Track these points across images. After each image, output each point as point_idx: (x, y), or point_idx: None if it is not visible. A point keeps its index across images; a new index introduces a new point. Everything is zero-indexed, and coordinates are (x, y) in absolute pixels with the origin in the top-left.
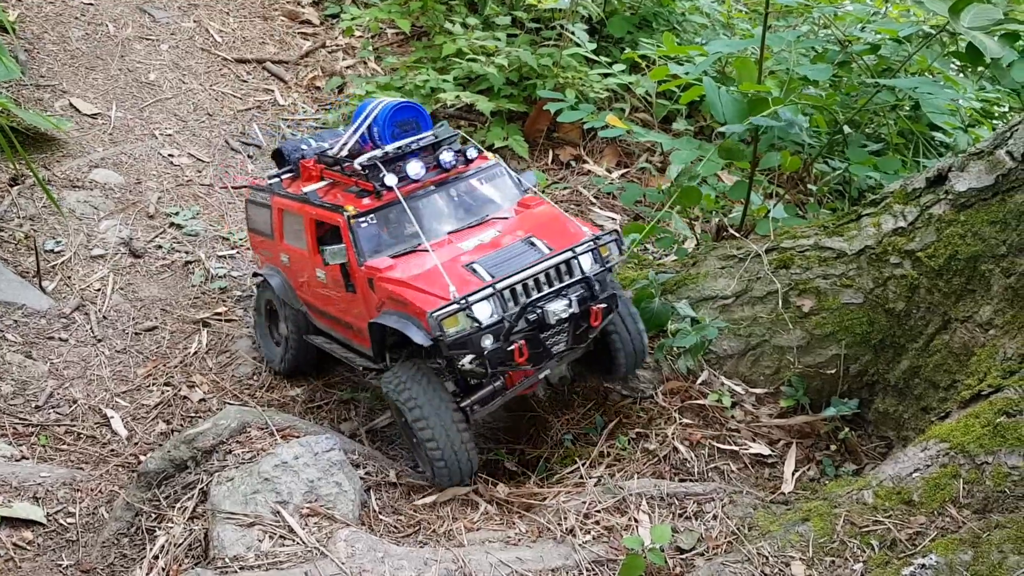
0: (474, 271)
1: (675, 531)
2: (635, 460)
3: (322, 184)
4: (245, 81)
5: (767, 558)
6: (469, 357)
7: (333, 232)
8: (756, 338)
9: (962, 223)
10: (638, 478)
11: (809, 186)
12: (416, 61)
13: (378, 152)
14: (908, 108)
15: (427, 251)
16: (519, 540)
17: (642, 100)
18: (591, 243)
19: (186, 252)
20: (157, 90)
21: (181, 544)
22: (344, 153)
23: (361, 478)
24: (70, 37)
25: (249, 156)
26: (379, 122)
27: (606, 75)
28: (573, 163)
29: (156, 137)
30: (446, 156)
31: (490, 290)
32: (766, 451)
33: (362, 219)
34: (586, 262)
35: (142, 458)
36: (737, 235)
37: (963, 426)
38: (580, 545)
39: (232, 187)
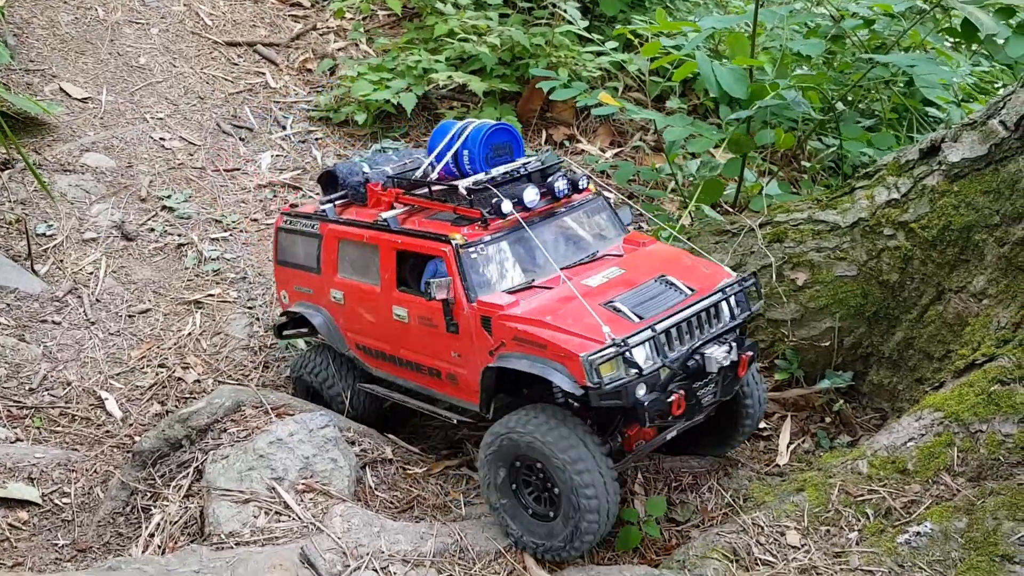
0: (618, 311)
1: (671, 504)
2: None
3: (400, 211)
4: (236, 64)
5: (762, 528)
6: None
7: (415, 266)
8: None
9: (955, 193)
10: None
11: (803, 163)
12: (408, 42)
13: (483, 176)
14: (902, 84)
15: (545, 288)
16: None
17: (635, 79)
18: (739, 284)
19: (179, 235)
20: (148, 74)
21: (177, 522)
22: (434, 176)
23: (356, 455)
24: (59, 21)
25: (241, 139)
26: (472, 144)
27: (599, 54)
28: (567, 143)
29: (147, 121)
30: (560, 184)
31: (649, 332)
32: (761, 424)
33: (472, 249)
34: (726, 309)
35: (137, 439)
36: (732, 211)
37: (957, 395)
38: None
39: (283, 212)
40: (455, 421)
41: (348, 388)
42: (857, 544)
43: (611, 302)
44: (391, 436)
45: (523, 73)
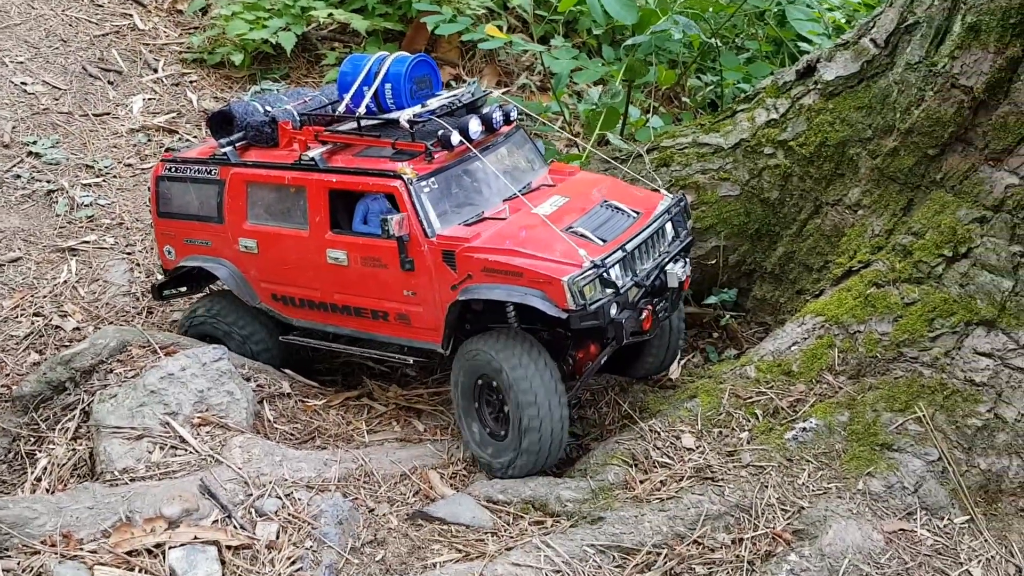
0: (583, 236)
1: (571, 420)
2: None
3: (323, 149)
4: (100, 6)
5: (659, 433)
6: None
7: (346, 202)
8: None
9: (831, 111)
10: None
11: (683, 99)
12: None
13: (421, 108)
14: (773, 20)
15: (497, 219)
16: (421, 439)
17: (519, 18)
18: (679, 206)
19: (47, 181)
20: (4, 16)
21: (65, 464)
22: (362, 111)
23: (253, 390)
24: None
25: (110, 83)
26: (395, 79)
27: None
28: (453, 83)
29: (6, 65)
30: (497, 115)
31: (621, 252)
32: None
33: (424, 183)
34: (670, 228)
35: (13, 388)
36: (622, 142)
37: (836, 300)
38: None
39: (163, 159)
40: (411, 361)
41: (259, 333)
42: (748, 443)
43: (572, 228)
44: (288, 371)
45: (406, 11)
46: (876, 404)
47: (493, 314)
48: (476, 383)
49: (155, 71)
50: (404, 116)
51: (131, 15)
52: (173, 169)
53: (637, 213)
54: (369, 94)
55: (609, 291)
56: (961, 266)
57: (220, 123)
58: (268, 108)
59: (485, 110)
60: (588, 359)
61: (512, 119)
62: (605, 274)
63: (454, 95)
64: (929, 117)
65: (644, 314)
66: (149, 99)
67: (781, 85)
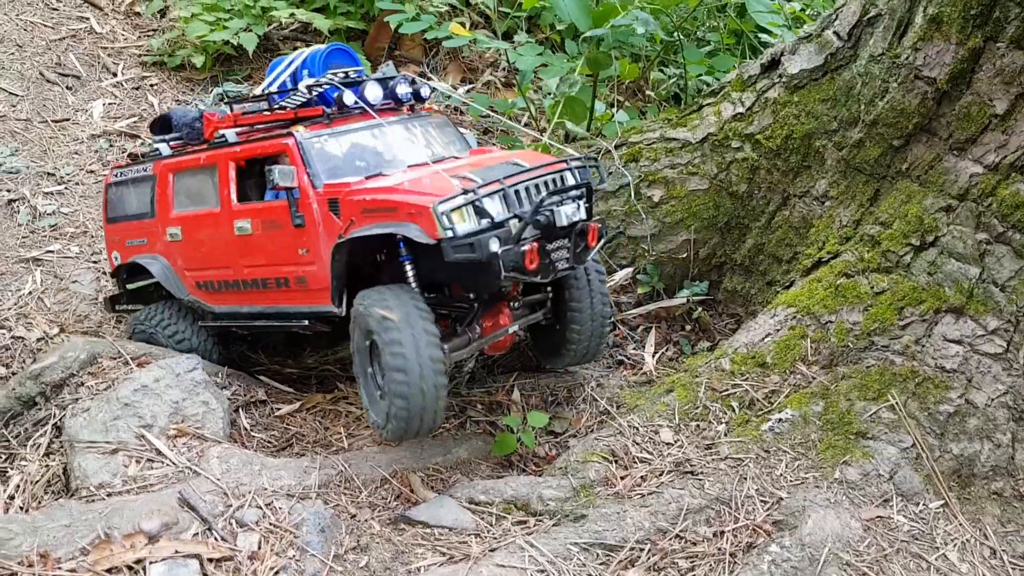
0: (468, 178)
1: (551, 418)
2: (504, 355)
3: (239, 129)
4: (56, 9)
5: (637, 429)
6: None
7: (257, 185)
8: (612, 230)
9: (796, 103)
10: (509, 372)
11: (647, 93)
12: None
13: (323, 79)
14: (734, 12)
15: (392, 176)
16: (399, 443)
17: (482, 15)
18: (582, 160)
19: (8, 191)
20: None
21: (39, 481)
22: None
23: (228, 398)
24: None
25: (68, 88)
26: (311, 64)
27: None
28: (416, 81)
29: None
30: (402, 88)
31: (498, 184)
32: (631, 346)
33: (315, 139)
34: (571, 179)
35: None
36: (586, 133)
37: (807, 291)
38: (457, 439)
39: (113, 167)
40: (306, 323)
41: (199, 338)
42: (726, 435)
43: (460, 175)
44: (262, 378)
45: (368, 10)
46: (850, 393)
47: (393, 272)
48: (365, 340)
49: (115, 75)
50: (303, 84)
51: (88, 18)
52: (120, 175)
53: (536, 167)
54: (283, 76)
55: (484, 222)
56: (929, 255)
57: (160, 128)
58: (202, 107)
59: (391, 83)
60: (496, 327)
61: (424, 98)
62: (478, 203)
63: (364, 72)
64: (893, 108)
65: (525, 247)
66: (109, 104)
67: (746, 79)
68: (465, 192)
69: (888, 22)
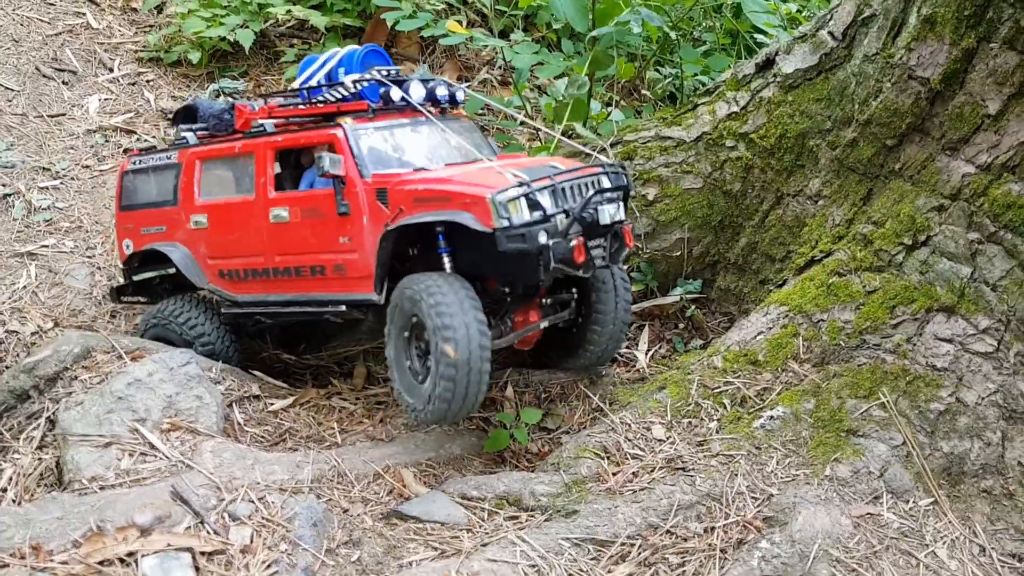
0: (515, 176)
1: (544, 414)
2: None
3: (274, 121)
4: (52, 4)
5: (629, 425)
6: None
7: (293, 171)
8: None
9: (790, 103)
10: (502, 368)
11: (643, 92)
12: None
13: (368, 76)
14: (729, 12)
15: (437, 171)
16: (392, 437)
17: (478, 13)
18: (616, 166)
19: (3, 185)
20: None
21: (31, 474)
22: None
23: (222, 393)
24: None
25: (64, 83)
26: (347, 63)
27: None
28: (452, 84)
29: None
30: (441, 90)
31: (549, 181)
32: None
33: (362, 131)
34: (606, 181)
35: None
36: (590, 133)
37: (800, 290)
38: (450, 435)
39: (132, 155)
40: (343, 308)
41: (218, 334)
42: (717, 432)
43: (507, 172)
44: (256, 373)
45: (365, 7)
46: (841, 391)
47: (428, 264)
48: (409, 323)
49: (111, 70)
50: (349, 79)
51: (84, 14)
52: (138, 163)
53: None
54: (320, 74)
55: (537, 214)
56: (921, 254)
57: (185, 117)
58: (229, 101)
59: (431, 84)
60: (527, 323)
61: (459, 101)
62: (532, 195)
63: (402, 75)
64: (887, 108)
65: (574, 242)
66: (105, 99)
67: (741, 78)
68: (521, 184)
69: (882, 22)
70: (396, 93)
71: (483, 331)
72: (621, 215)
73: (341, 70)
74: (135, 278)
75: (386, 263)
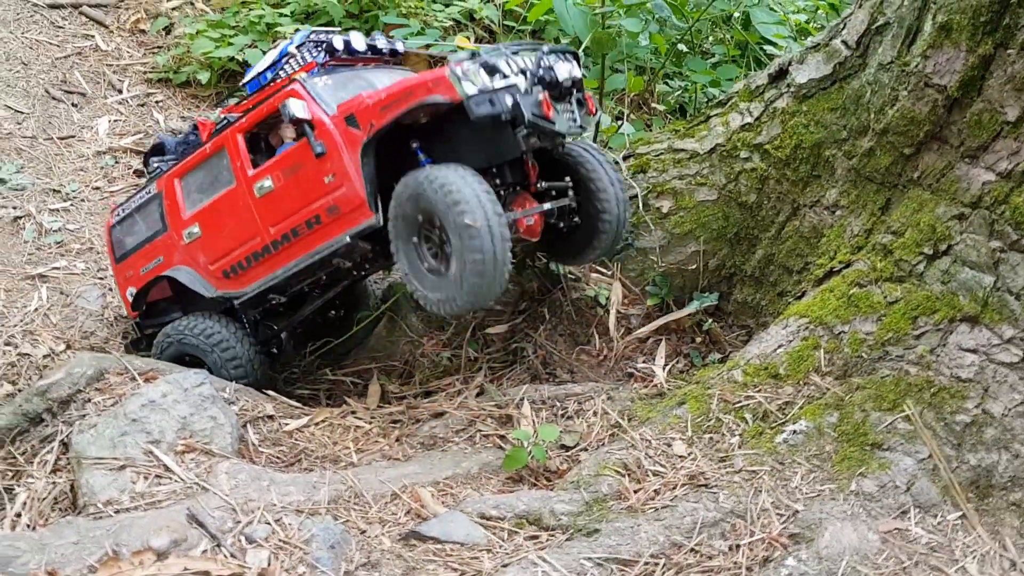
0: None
1: (562, 431)
2: (512, 368)
3: (236, 116)
4: (61, 27)
5: (649, 441)
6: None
7: (266, 153)
8: (620, 242)
9: (805, 113)
10: (518, 385)
11: (653, 105)
12: None
13: (307, 34)
14: (739, 23)
15: None
16: (409, 456)
17: (486, 30)
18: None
19: (13, 207)
20: None
21: (45, 498)
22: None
23: (236, 414)
24: None
25: (74, 105)
26: (295, 44)
27: (448, 4)
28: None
29: None
30: (381, 42)
31: (503, 50)
32: (640, 359)
33: (316, 79)
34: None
35: None
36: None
37: (819, 301)
38: (467, 454)
39: (112, 209)
40: (347, 241)
41: (242, 340)
42: (739, 447)
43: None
44: (269, 392)
45: (373, 25)
46: (864, 404)
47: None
48: (413, 228)
49: (120, 92)
50: (292, 47)
51: (93, 36)
52: (121, 212)
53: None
54: (268, 61)
55: (497, 77)
56: (942, 263)
57: (155, 153)
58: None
59: (376, 39)
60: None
61: (399, 52)
62: (487, 62)
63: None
64: (904, 117)
65: (540, 96)
66: (115, 121)
67: (754, 89)
68: (473, 55)
69: (897, 30)
70: (338, 40)
71: (492, 198)
72: (577, 72)
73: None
74: (146, 332)
75: (374, 178)
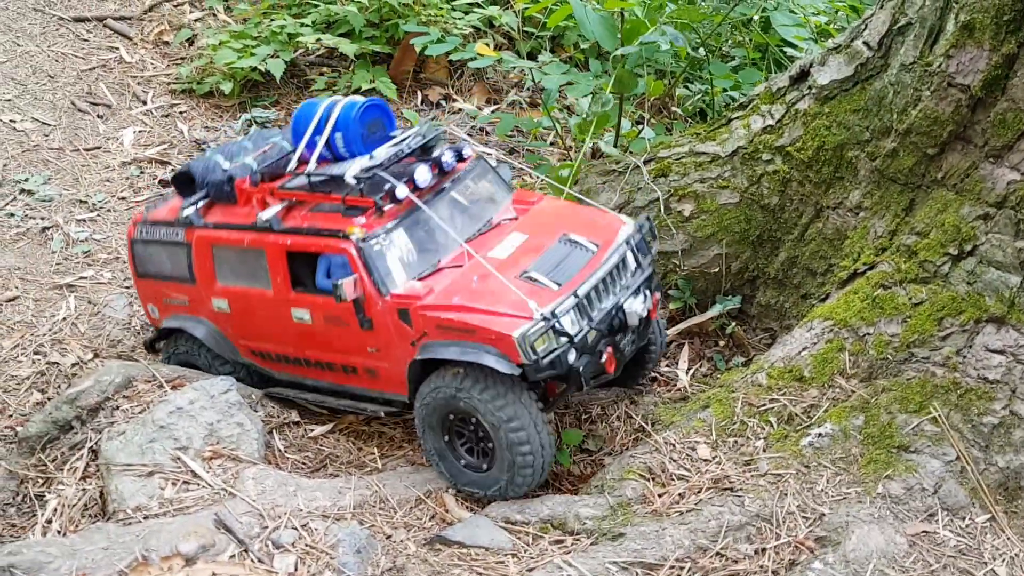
0: (535, 280)
1: (585, 435)
2: None
3: (278, 207)
4: (86, 40)
5: (674, 445)
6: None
7: (307, 264)
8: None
9: (826, 114)
10: None
11: (674, 109)
12: (270, 7)
13: (368, 160)
14: (758, 27)
15: (453, 267)
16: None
17: (505, 36)
18: (638, 232)
19: (41, 218)
20: None
21: (75, 504)
22: (312, 166)
23: (262, 420)
24: None
25: (99, 116)
26: (344, 126)
27: (468, 11)
28: (443, 103)
29: None
30: (447, 157)
31: (573, 299)
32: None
33: (374, 241)
34: (631, 258)
35: (19, 429)
36: (616, 151)
37: (844, 303)
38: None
39: (135, 221)
40: (382, 414)
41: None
42: (764, 451)
43: (526, 272)
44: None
45: (393, 34)
46: (890, 406)
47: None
48: (447, 418)
49: (144, 103)
50: (350, 173)
51: (117, 48)
52: (145, 232)
53: (596, 246)
54: (321, 143)
55: (563, 340)
56: (967, 264)
57: (183, 183)
58: (227, 164)
59: (436, 152)
60: (556, 386)
61: (465, 156)
62: (557, 324)
63: (405, 138)
64: (927, 117)
65: (605, 357)
66: (140, 131)
67: (775, 91)
68: (544, 318)
69: (919, 30)
70: (402, 191)
71: (544, 421)
72: (648, 305)
73: (338, 135)
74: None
75: (418, 379)
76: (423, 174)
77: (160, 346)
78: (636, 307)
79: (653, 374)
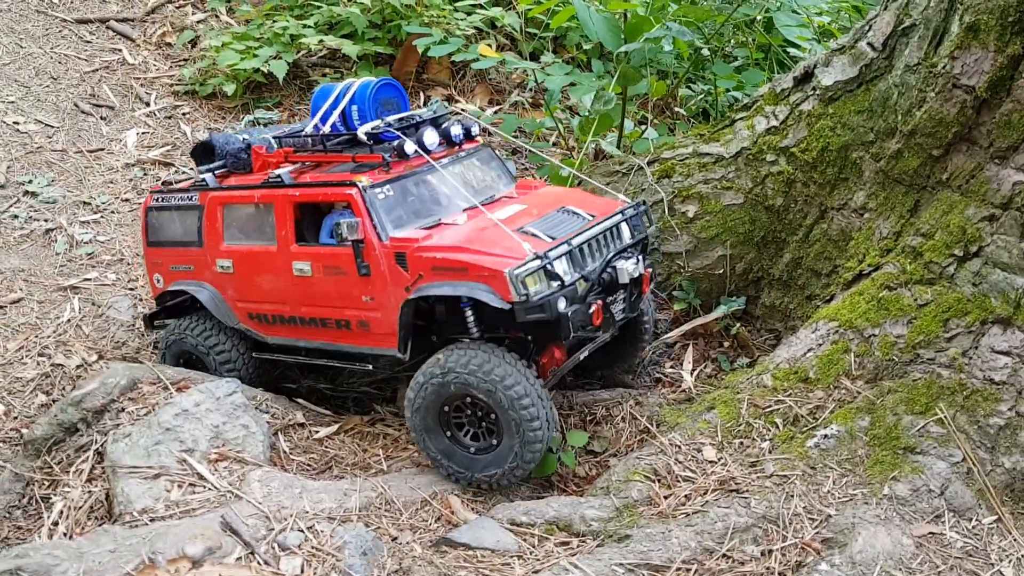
0: (532, 234)
1: (590, 437)
2: None
3: (291, 168)
4: (89, 42)
5: (679, 447)
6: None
7: (312, 222)
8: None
9: (831, 115)
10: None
11: (677, 109)
12: (272, 8)
13: (379, 122)
14: (761, 27)
15: (452, 225)
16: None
17: (507, 37)
18: (635, 208)
19: (45, 220)
20: None
21: (81, 507)
22: (327, 130)
23: (267, 422)
24: None
25: (102, 118)
26: (360, 100)
27: (470, 12)
28: (445, 103)
29: None
30: (456, 129)
31: (566, 246)
32: (667, 363)
33: (379, 189)
34: (626, 230)
35: (24, 431)
36: (619, 151)
37: (849, 304)
38: None
39: (152, 191)
40: (370, 368)
41: (240, 355)
42: (770, 452)
43: (523, 228)
44: (299, 400)
45: (396, 35)
46: (896, 407)
47: (454, 324)
48: (441, 411)
49: (147, 105)
50: (362, 130)
51: (120, 50)
52: (160, 200)
53: (592, 216)
54: (335, 114)
55: (555, 284)
56: (973, 265)
57: (202, 153)
58: (247, 137)
59: (444, 125)
60: (553, 364)
61: (474, 135)
62: (549, 266)
63: (417, 112)
64: (932, 118)
65: (593, 308)
66: (143, 133)
67: (779, 92)
68: (537, 257)
69: (923, 31)
70: (410, 147)
71: (543, 388)
72: (641, 269)
73: (354, 108)
74: (167, 304)
75: (409, 325)
76: (431, 136)
77: (159, 323)
78: (627, 267)
79: (657, 375)
